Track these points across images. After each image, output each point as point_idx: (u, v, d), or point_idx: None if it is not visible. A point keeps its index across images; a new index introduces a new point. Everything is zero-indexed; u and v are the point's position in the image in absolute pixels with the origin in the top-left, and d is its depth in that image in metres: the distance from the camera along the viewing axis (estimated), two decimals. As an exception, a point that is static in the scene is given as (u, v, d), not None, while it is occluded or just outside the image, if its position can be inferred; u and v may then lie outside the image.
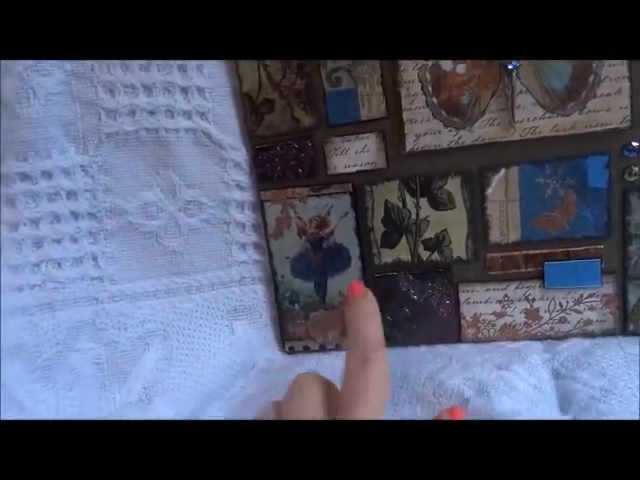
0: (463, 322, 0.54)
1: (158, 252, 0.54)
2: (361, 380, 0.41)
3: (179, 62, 0.51)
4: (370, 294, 0.46)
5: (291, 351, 0.58)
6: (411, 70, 0.50)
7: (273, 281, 0.57)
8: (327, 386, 0.43)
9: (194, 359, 0.54)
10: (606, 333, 0.51)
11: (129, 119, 0.51)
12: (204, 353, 0.54)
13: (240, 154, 0.55)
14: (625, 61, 0.46)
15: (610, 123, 0.47)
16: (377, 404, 0.41)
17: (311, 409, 0.40)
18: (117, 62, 0.50)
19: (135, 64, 0.50)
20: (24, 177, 0.48)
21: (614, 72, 0.46)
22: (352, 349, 0.43)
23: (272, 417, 0.42)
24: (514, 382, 0.47)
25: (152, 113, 0.52)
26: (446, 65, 0.49)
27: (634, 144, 0.47)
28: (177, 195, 0.53)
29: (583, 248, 0.50)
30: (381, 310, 0.54)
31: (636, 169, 0.48)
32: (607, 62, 0.46)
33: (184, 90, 0.52)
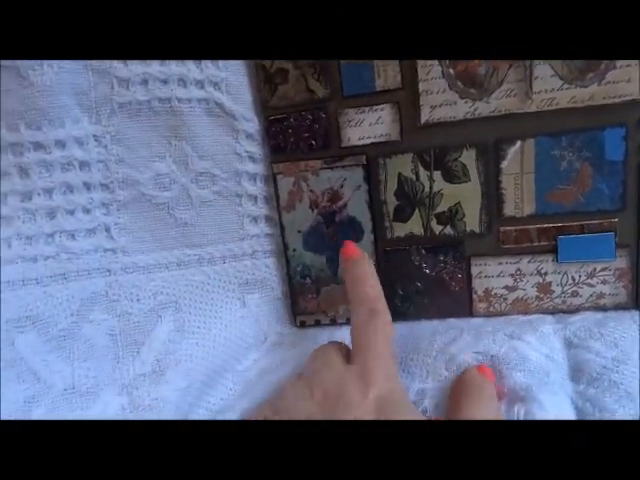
0: (475, 296, 0.54)
1: (170, 224, 0.53)
2: (371, 330, 0.44)
3: (191, 32, 0.51)
4: (366, 255, 0.50)
5: (302, 325, 0.58)
6: (427, 40, 0.49)
7: (285, 255, 0.57)
8: (344, 349, 0.46)
9: (206, 331, 0.54)
10: (618, 307, 0.51)
11: (142, 88, 0.50)
12: (216, 325, 0.54)
13: (253, 125, 0.54)
14: (645, 32, 0.45)
15: (630, 94, 0.47)
16: (386, 354, 0.44)
17: (334, 372, 0.43)
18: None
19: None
20: (38, 146, 0.48)
21: (634, 43, 0.46)
22: (357, 306, 0.47)
23: (298, 385, 0.43)
24: (526, 352, 0.47)
25: (165, 82, 0.51)
26: (463, 35, 0.49)
27: (652, 116, 0.47)
28: (189, 166, 0.53)
29: (597, 222, 0.50)
30: (393, 284, 0.55)
31: (653, 142, 0.48)
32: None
33: (197, 59, 0.52)
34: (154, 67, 0.50)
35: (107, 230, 0.51)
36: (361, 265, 0.50)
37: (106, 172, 0.50)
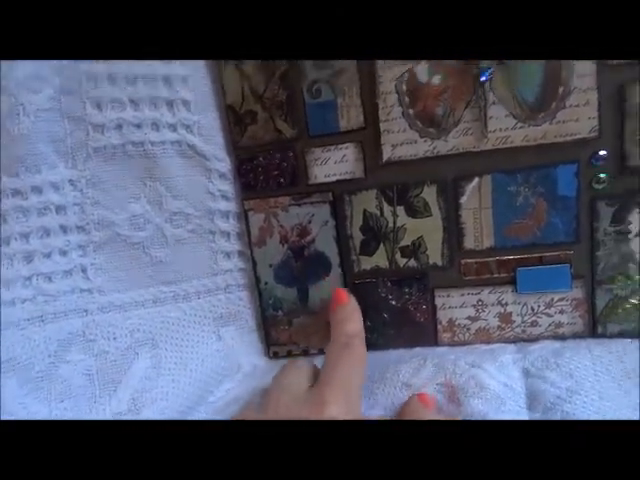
0: (439, 326, 0.56)
1: (145, 262, 0.55)
2: (341, 359, 0.47)
3: (165, 75, 0.53)
4: (353, 299, 0.52)
5: (275, 356, 0.60)
6: (388, 82, 0.52)
7: (257, 288, 0.59)
8: (313, 367, 0.48)
9: (182, 367, 0.55)
10: (576, 335, 0.53)
11: (116, 133, 0.53)
12: (192, 361, 0.56)
13: (225, 165, 0.56)
14: (594, 73, 0.48)
15: (579, 133, 0.49)
16: (351, 384, 0.46)
17: (300, 380, 0.45)
18: (104, 77, 0.52)
19: (122, 78, 0.52)
20: (15, 192, 0.50)
21: (582, 83, 0.48)
22: (334, 338, 0.50)
23: (254, 407, 0.46)
24: (485, 380, 0.49)
25: (138, 127, 0.53)
26: (421, 77, 0.51)
27: (601, 153, 0.49)
28: (163, 206, 0.55)
29: (553, 254, 0.52)
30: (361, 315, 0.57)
31: (603, 177, 0.50)
32: (576, 73, 0.48)
33: (169, 103, 0.54)
34: (128, 112, 0.53)
35: (83, 271, 0.53)
36: (347, 309, 0.52)
37: (82, 215, 0.53)
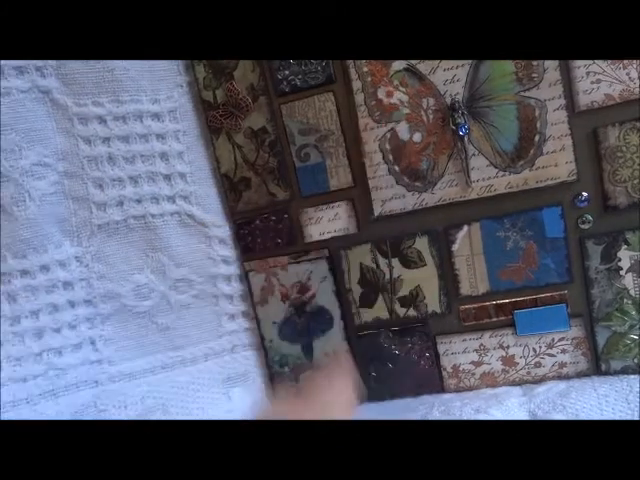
0: (444, 373, 0.57)
1: (152, 330, 0.57)
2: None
3: (161, 151, 0.56)
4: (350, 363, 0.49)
5: (285, 413, 0.60)
6: (372, 142, 0.54)
7: (263, 346, 0.60)
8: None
9: (194, 430, 0.56)
10: (580, 374, 0.54)
11: (118, 209, 0.56)
12: (203, 422, 0.57)
13: (223, 230, 0.59)
14: (566, 120, 0.50)
15: (559, 177, 0.51)
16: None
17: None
18: (105, 158, 0.55)
19: (121, 158, 0.55)
20: (23, 273, 0.52)
21: (557, 131, 0.50)
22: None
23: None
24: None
25: (139, 202, 0.56)
26: (403, 135, 0.53)
27: (584, 194, 0.51)
28: (167, 275, 0.57)
29: (549, 295, 0.53)
30: (366, 367, 0.58)
31: (588, 217, 0.51)
32: (550, 122, 0.50)
33: (167, 177, 0.57)
34: (128, 189, 0.56)
35: (92, 343, 0.55)
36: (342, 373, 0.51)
37: (89, 289, 0.55)
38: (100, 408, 0.53)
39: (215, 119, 0.57)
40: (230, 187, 0.58)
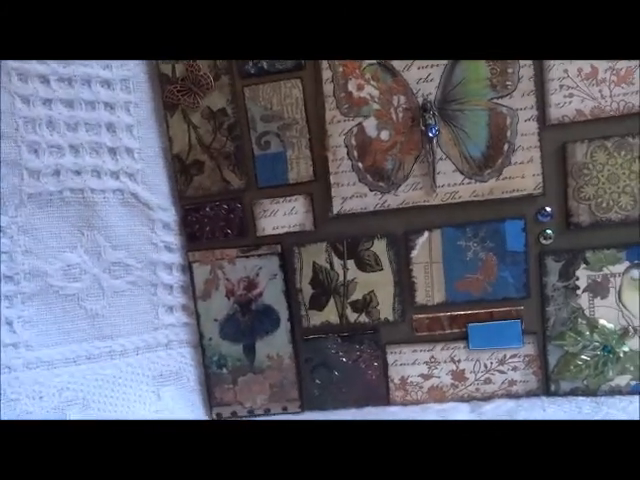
0: (392, 385, 0.54)
1: (79, 316, 0.52)
2: None
3: (108, 122, 0.51)
4: None
5: (218, 417, 0.56)
6: (337, 136, 0.51)
7: (201, 344, 0.55)
8: None
9: (116, 428, 0.51)
10: (530, 394, 0.52)
11: (53, 179, 0.50)
12: (127, 422, 0.52)
13: (169, 215, 0.54)
14: (536, 132, 0.49)
15: (524, 189, 0.50)
16: None
17: None
18: (44, 121, 0.50)
19: (63, 123, 0.50)
20: None
21: (526, 141, 0.49)
22: None
23: None
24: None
25: (78, 173, 0.51)
26: (370, 131, 0.51)
27: (547, 209, 0.50)
28: (102, 257, 0.52)
29: (504, 309, 0.52)
30: (311, 373, 0.55)
31: (550, 233, 0.50)
32: (520, 132, 0.49)
33: (112, 151, 0.52)
34: (67, 158, 0.50)
35: (9, 324, 0.49)
36: None
37: (11, 263, 0.49)
38: (11, 397, 0.48)
39: (172, 94, 0.53)
40: (181, 169, 0.54)
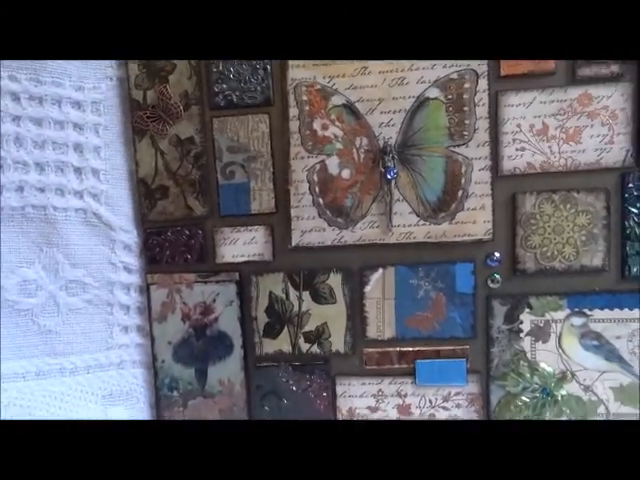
0: (339, 415, 0.55)
1: (32, 331, 0.52)
2: None
3: (76, 142, 0.52)
4: None
5: (166, 440, 0.56)
6: (300, 171, 0.53)
7: (153, 366, 0.56)
8: None
9: (61, 446, 0.51)
10: (470, 431, 0.54)
11: (16, 195, 0.51)
12: (72, 440, 0.52)
13: (130, 236, 0.55)
14: (489, 181, 0.51)
15: (475, 234, 0.52)
16: None
17: None
18: (12, 138, 0.50)
19: (30, 141, 0.51)
20: None
21: (479, 189, 0.51)
22: None
23: None
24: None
25: (41, 190, 0.52)
26: (332, 169, 0.53)
27: (496, 255, 0.52)
28: (59, 274, 0.53)
29: (451, 348, 0.53)
30: (260, 400, 0.55)
31: (497, 277, 0.52)
32: (474, 180, 0.51)
33: (78, 170, 0.53)
34: (32, 175, 0.51)
35: (-42, 337, 0.49)
36: None
37: (-35, 277, 0.49)
38: (-47, 412, 0.47)
39: (141, 120, 0.54)
40: (146, 193, 0.55)
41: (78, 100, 0.52)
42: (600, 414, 0.53)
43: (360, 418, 0.55)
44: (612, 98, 0.49)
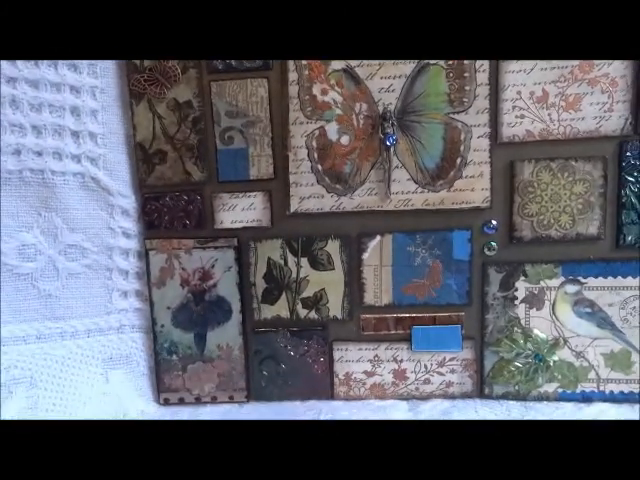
0: (336, 380, 0.56)
1: (32, 295, 0.52)
2: None
3: (73, 105, 0.52)
4: None
5: (166, 402, 0.57)
6: (299, 137, 0.53)
7: (152, 330, 0.56)
8: None
9: (62, 409, 0.52)
10: (465, 395, 0.55)
11: (13, 158, 0.50)
12: (73, 403, 0.52)
13: (129, 201, 0.55)
14: (487, 149, 0.51)
15: (473, 202, 0.52)
16: None
17: None
18: (7, 100, 0.50)
19: (26, 103, 0.50)
20: None
21: (478, 157, 0.51)
22: None
23: None
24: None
25: (39, 154, 0.51)
26: (331, 135, 0.53)
27: (493, 222, 0.52)
28: (58, 238, 0.53)
29: (446, 314, 0.54)
30: (258, 364, 0.56)
31: (494, 244, 0.53)
32: (473, 147, 0.51)
33: (75, 134, 0.52)
34: (29, 138, 0.50)
35: (-42, 300, 0.49)
36: None
37: (-36, 240, 0.49)
38: (-45, 373, 0.48)
39: (139, 83, 0.53)
40: (144, 158, 0.55)
41: (74, 62, 0.51)
42: (591, 379, 0.54)
43: (356, 382, 0.56)
44: (613, 65, 0.49)
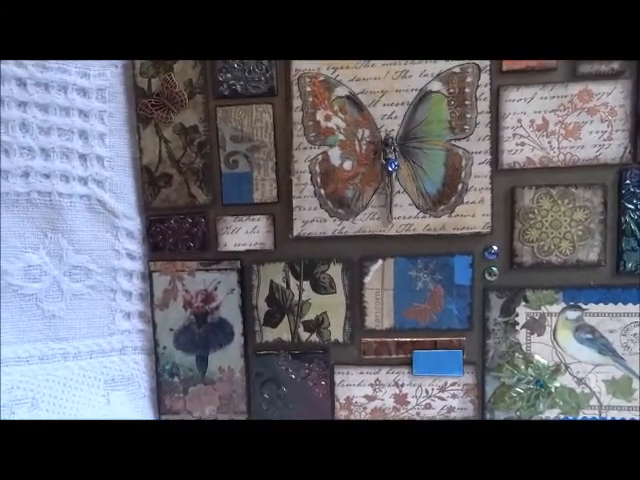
0: (337, 403, 0.56)
1: (36, 316, 0.53)
2: None
3: (81, 129, 0.53)
4: None
5: (166, 424, 0.57)
6: (303, 161, 0.54)
7: (155, 352, 0.57)
8: None
9: (63, 430, 0.52)
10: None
11: (22, 180, 0.51)
12: (74, 424, 0.53)
13: (134, 224, 0.56)
14: (488, 175, 0.52)
15: (474, 227, 0.53)
16: None
17: None
18: (17, 123, 0.51)
19: (36, 127, 0.51)
20: None
21: (479, 183, 0.52)
22: None
23: None
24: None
25: (47, 176, 0.52)
26: (334, 160, 0.53)
27: (494, 248, 0.53)
28: (63, 259, 0.53)
29: (448, 339, 0.54)
30: (259, 387, 0.56)
31: (495, 270, 0.53)
32: (474, 174, 0.52)
33: (83, 157, 0.53)
34: (37, 161, 0.51)
35: (-37, 321, 0.50)
36: None
37: (-29, 261, 0.50)
38: (-42, 393, 0.48)
39: (146, 108, 0.54)
40: (149, 181, 0.56)
41: (84, 87, 0.52)
42: (592, 406, 0.54)
43: (357, 407, 0.56)
44: (612, 95, 0.50)
